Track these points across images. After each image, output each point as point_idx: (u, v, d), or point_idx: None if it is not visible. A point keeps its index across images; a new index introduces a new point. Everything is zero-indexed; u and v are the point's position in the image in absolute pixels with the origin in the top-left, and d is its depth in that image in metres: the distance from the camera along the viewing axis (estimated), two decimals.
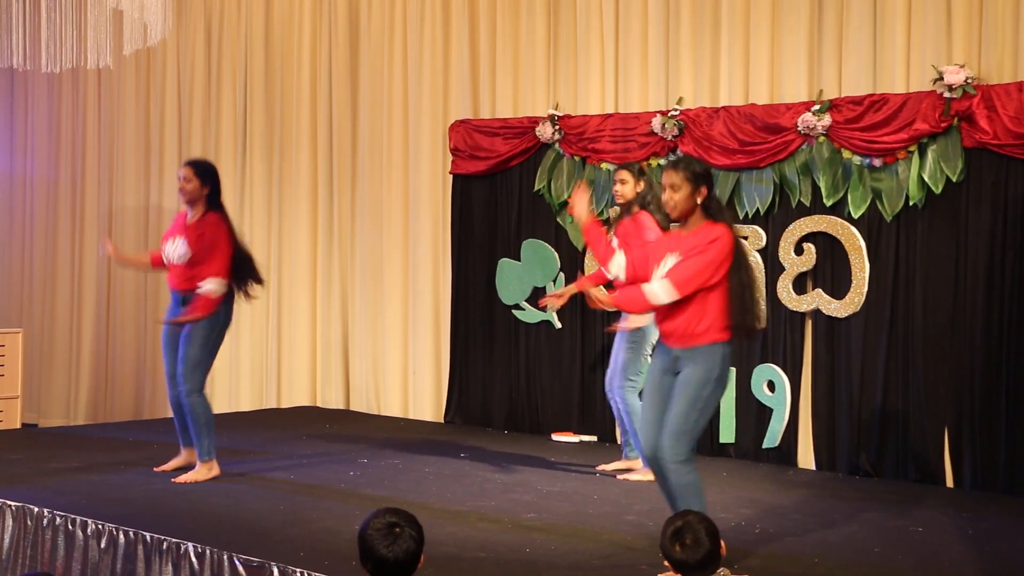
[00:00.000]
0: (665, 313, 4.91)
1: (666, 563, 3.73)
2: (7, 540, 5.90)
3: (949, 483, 6.88)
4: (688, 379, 4.85)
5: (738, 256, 4.87)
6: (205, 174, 6.64)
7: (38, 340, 10.97)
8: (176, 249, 6.64)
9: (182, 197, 6.67)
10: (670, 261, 4.88)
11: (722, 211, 5.02)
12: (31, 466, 6.91)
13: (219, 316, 6.62)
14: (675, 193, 4.90)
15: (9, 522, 5.90)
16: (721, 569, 3.71)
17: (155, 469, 6.77)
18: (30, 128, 11.17)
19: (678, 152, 7.70)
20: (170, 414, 6.95)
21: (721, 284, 4.83)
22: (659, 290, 4.86)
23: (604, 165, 8.09)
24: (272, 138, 9.97)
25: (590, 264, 8.15)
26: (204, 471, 6.57)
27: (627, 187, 6.61)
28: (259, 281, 6.82)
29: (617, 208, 6.80)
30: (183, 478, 6.54)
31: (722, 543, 3.73)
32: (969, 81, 6.69)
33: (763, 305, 5.00)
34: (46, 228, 11.06)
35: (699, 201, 4.89)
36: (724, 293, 4.82)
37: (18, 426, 9.52)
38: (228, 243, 6.60)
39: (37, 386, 10.92)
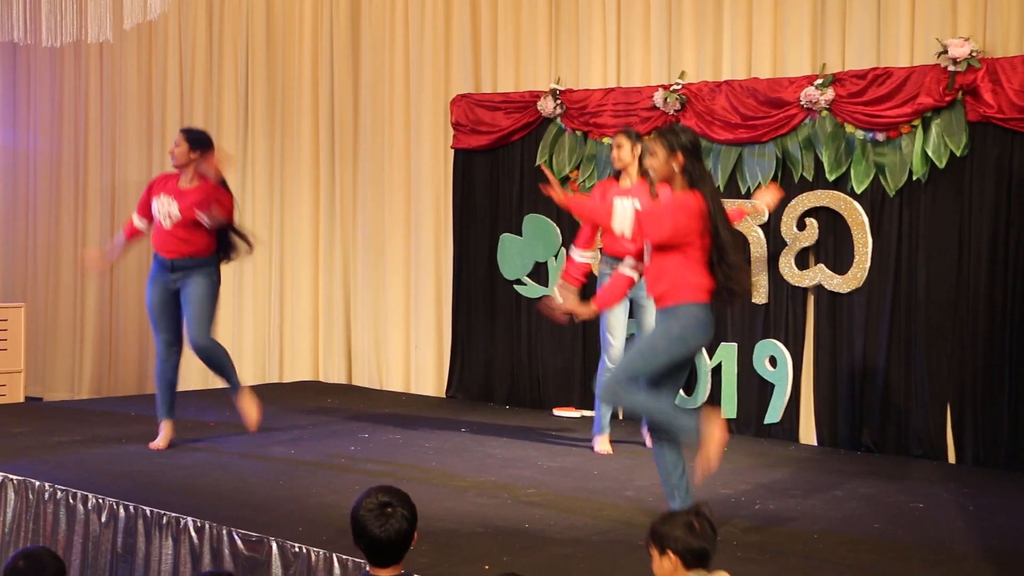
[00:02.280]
0: (648, 281, 5.02)
1: (653, 550, 3.66)
2: (9, 514, 5.92)
3: (951, 459, 6.87)
4: (652, 332, 5.05)
5: (712, 222, 4.87)
6: (195, 141, 6.71)
7: (42, 314, 11.00)
8: (167, 209, 6.67)
9: (172, 161, 6.76)
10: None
11: (702, 180, 4.97)
12: (34, 440, 6.92)
13: (216, 275, 6.76)
14: (652, 158, 5.02)
15: (11, 496, 5.92)
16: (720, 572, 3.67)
17: (150, 446, 6.78)
18: (32, 103, 11.16)
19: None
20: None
21: (682, 248, 4.85)
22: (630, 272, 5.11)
23: (606, 139, 8.06)
24: (274, 113, 9.94)
25: None
26: (248, 399, 6.80)
27: (624, 151, 6.62)
28: (248, 246, 6.92)
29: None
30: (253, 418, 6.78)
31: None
32: (974, 54, 6.64)
33: (752, 273, 5.09)
34: (49, 202, 11.06)
35: (675, 168, 4.91)
36: (688, 257, 4.86)
37: (22, 400, 9.55)
38: (231, 203, 6.71)
39: (41, 360, 10.95)
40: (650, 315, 6.45)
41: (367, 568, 3.56)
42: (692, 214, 4.85)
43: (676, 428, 4.89)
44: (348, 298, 9.73)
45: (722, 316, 7.60)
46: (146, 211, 6.80)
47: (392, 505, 3.48)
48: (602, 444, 6.89)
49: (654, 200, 5.14)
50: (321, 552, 4.66)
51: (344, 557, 4.57)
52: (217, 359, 6.79)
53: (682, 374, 5.04)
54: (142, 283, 10.48)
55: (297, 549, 4.74)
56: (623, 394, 5.01)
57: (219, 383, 7.09)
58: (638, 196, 6.43)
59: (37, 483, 5.81)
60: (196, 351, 6.75)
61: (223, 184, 6.71)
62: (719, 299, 4.95)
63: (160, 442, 6.79)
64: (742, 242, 5.04)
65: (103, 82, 10.74)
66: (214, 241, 6.75)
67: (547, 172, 6.01)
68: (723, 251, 4.88)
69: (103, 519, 5.48)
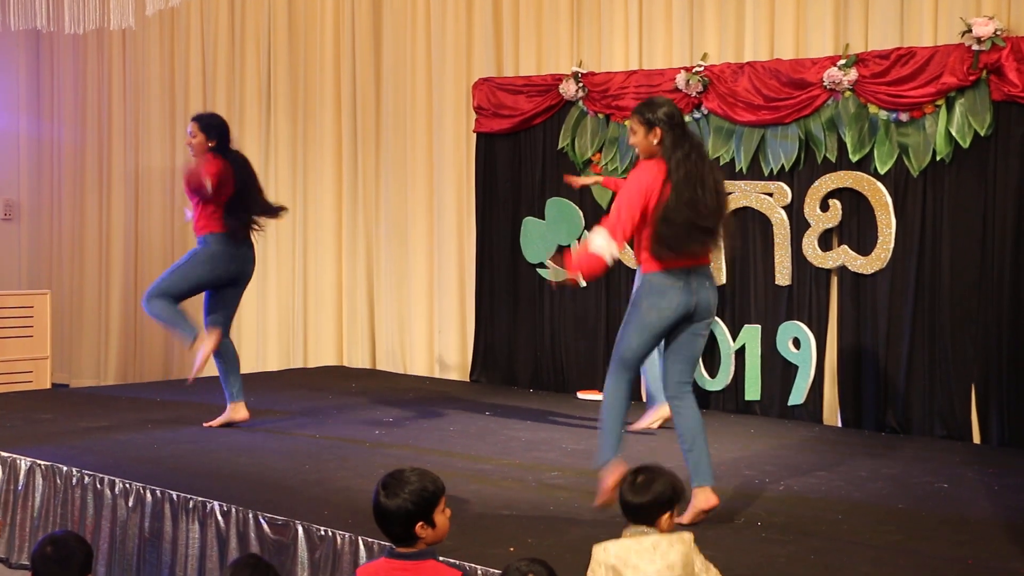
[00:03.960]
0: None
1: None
2: (38, 499, 5.96)
3: (975, 439, 6.85)
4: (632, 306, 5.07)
5: (673, 186, 4.81)
6: (209, 128, 6.74)
7: (67, 301, 11.07)
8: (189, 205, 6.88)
9: (190, 152, 6.83)
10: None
11: (675, 148, 4.90)
12: (61, 426, 6.98)
13: (212, 248, 6.79)
14: (633, 137, 5.03)
15: (39, 481, 5.96)
16: (686, 533, 3.65)
17: (204, 424, 6.96)
18: (56, 91, 11.21)
19: (703, 108, 7.65)
20: (200, 374, 7.03)
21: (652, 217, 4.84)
22: (601, 243, 4.85)
23: (628, 122, 8.02)
24: (296, 98, 9.96)
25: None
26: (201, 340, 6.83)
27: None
28: (272, 213, 6.95)
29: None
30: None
31: (666, 514, 3.63)
32: (998, 33, 6.60)
33: (718, 229, 4.96)
34: (73, 190, 11.12)
35: (655, 143, 4.90)
36: (655, 224, 4.83)
37: (48, 386, 9.62)
38: (216, 170, 6.61)
39: (68, 347, 11.03)
40: None
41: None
42: (647, 183, 4.83)
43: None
44: (371, 283, 9.75)
45: (746, 298, 7.60)
46: None
47: (389, 486, 3.50)
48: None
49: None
50: (347, 535, 4.68)
51: (370, 540, 4.59)
52: (159, 316, 6.78)
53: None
54: (165, 268, 10.55)
55: (323, 532, 4.77)
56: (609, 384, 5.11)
57: (250, 367, 7.11)
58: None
59: (65, 468, 5.85)
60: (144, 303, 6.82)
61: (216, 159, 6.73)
62: (678, 259, 4.88)
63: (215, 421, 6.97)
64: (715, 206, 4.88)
65: (126, 69, 10.78)
66: (219, 219, 6.77)
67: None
68: (678, 210, 4.80)
69: (130, 504, 5.52)
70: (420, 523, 3.49)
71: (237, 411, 6.91)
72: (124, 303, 10.81)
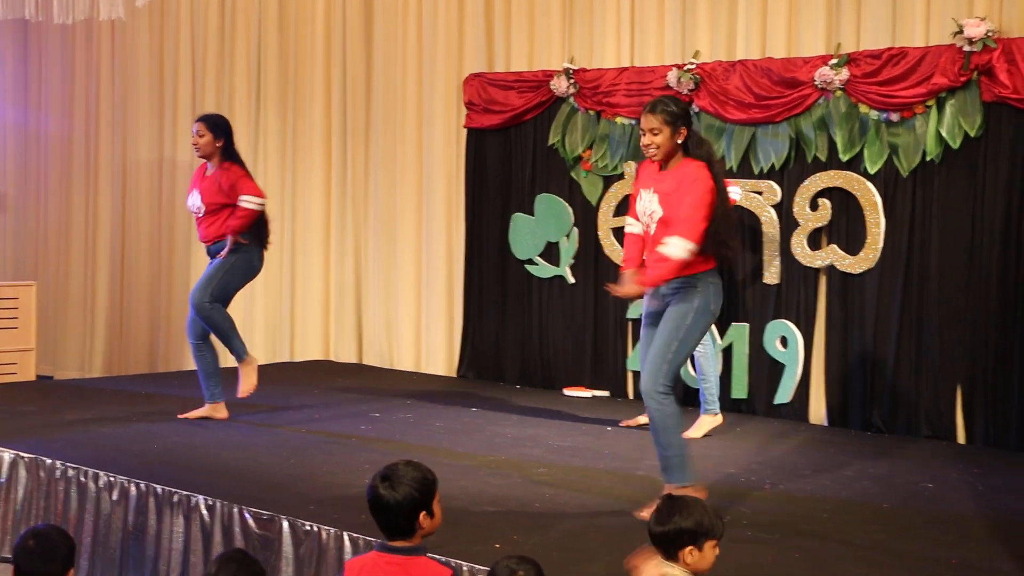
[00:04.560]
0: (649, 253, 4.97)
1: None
2: (21, 492, 5.93)
3: (960, 439, 6.86)
4: (671, 312, 4.94)
5: (719, 191, 4.92)
6: (217, 128, 6.72)
7: (52, 293, 11.02)
8: (194, 202, 6.83)
9: (196, 152, 6.84)
10: (646, 197, 4.99)
11: (699, 146, 4.98)
12: (45, 418, 6.93)
13: (249, 252, 6.85)
14: (655, 136, 4.91)
15: (23, 474, 5.93)
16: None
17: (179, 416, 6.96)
18: (44, 81, 11.15)
19: (694, 106, 7.64)
20: (186, 367, 7.03)
21: None
22: (676, 249, 4.84)
23: (619, 119, 8.03)
24: (286, 91, 9.93)
25: (604, 215, 8.13)
26: (250, 367, 6.91)
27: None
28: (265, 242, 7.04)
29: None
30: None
31: (687, 548, 3.37)
32: (990, 34, 6.60)
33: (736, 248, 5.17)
34: (60, 181, 11.07)
35: (679, 142, 4.89)
36: (711, 222, 4.89)
37: (33, 378, 9.58)
38: (250, 179, 6.77)
39: (52, 339, 10.97)
40: None
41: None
42: (712, 188, 4.88)
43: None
44: (359, 277, 9.73)
45: (734, 296, 7.59)
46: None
47: (389, 479, 3.49)
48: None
49: (662, 177, 5.03)
50: (332, 530, 4.67)
51: (355, 535, 4.58)
52: (215, 324, 6.80)
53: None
54: (153, 263, 10.54)
55: (308, 527, 4.75)
56: (664, 403, 4.99)
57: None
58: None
59: (48, 461, 5.82)
60: (194, 310, 6.80)
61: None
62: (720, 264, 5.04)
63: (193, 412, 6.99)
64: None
65: (115, 60, 10.73)
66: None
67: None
68: (724, 220, 4.93)
69: (114, 497, 5.49)
70: (423, 512, 3.49)
71: (217, 411, 6.93)
72: (110, 295, 10.77)
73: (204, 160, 6.84)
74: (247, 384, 6.92)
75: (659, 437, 4.97)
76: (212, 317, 6.78)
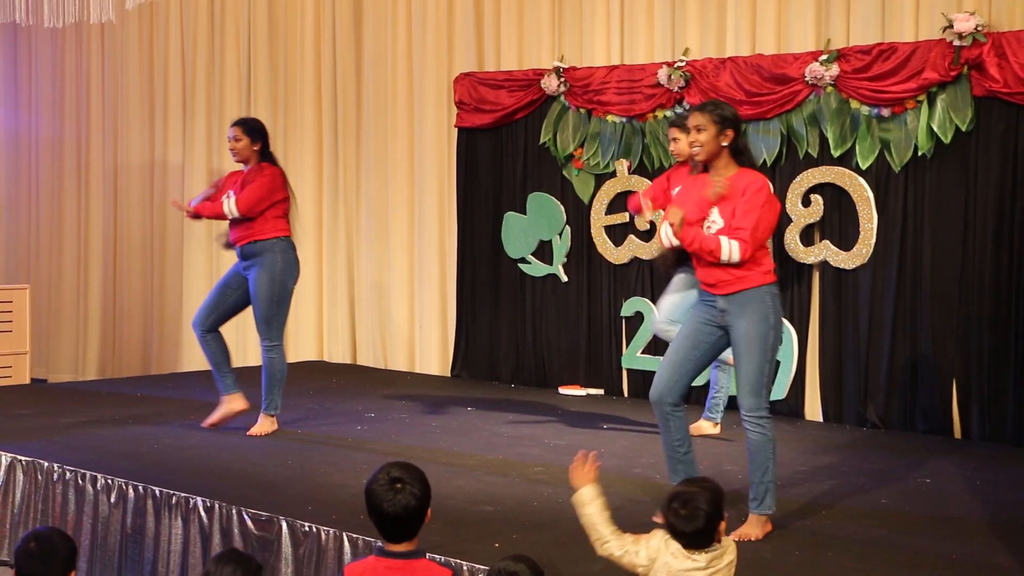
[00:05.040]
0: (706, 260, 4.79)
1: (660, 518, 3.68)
2: (18, 495, 5.93)
3: (956, 434, 6.88)
4: (748, 332, 4.72)
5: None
6: (253, 131, 6.66)
7: (45, 296, 11.00)
8: (229, 204, 6.63)
9: (234, 157, 6.70)
10: (715, 213, 4.75)
11: (749, 155, 4.92)
12: (41, 421, 6.93)
13: (276, 266, 6.62)
14: (699, 134, 4.77)
15: (20, 477, 5.93)
16: (726, 539, 3.67)
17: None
18: (34, 84, 11.14)
19: (684, 104, 7.65)
20: (179, 369, 6.99)
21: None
22: (734, 250, 4.67)
23: (610, 117, 8.04)
24: (276, 92, 9.92)
25: (596, 213, 8.13)
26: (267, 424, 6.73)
27: (681, 144, 6.27)
28: None
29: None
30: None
31: (722, 524, 3.59)
32: (979, 29, 6.62)
33: None
34: (51, 184, 11.06)
35: (724, 144, 4.80)
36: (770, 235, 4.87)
37: (27, 381, 9.57)
38: (270, 187, 6.58)
39: (46, 342, 10.96)
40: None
41: (380, 543, 3.58)
42: (772, 198, 4.86)
43: None
44: (352, 277, 9.73)
45: None
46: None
47: (403, 481, 3.48)
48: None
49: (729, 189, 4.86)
50: (331, 531, 4.67)
51: (354, 536, 4.58)
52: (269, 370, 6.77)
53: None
54: (145, 265, 10.53)
55: (307, 528, 4.76)
56: (767, 427, 4.89)
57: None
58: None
59: (46, 464, 5.82)
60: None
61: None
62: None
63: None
64: None
65: (105, 63, 10.72)
66: (285, 223, 6.72)
67: None
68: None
69: (112, 500, 5.49)
70: (428, 511, 3.53)
71: (234, 402, 6.79)
72: (103, 298, 10.76)
73: (241, 164, 6.71)
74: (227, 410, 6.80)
75: (759, 461, 4.80)
76: (276, 362, 6.77)
